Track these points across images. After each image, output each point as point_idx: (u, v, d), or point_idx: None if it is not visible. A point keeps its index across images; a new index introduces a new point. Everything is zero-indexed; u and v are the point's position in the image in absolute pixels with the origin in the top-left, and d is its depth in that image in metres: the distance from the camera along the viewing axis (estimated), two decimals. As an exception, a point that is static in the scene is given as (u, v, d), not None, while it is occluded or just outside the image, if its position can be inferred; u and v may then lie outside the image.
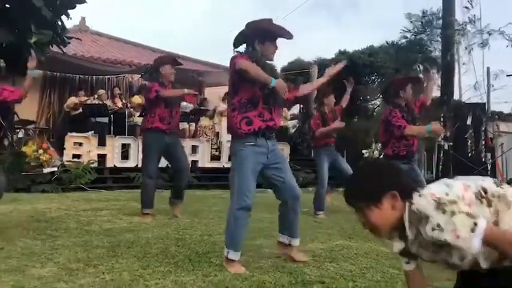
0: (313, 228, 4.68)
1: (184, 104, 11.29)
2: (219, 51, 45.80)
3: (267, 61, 3.15)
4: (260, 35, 3.07)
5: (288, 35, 3.11)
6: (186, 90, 5.03)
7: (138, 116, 10.21)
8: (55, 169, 7.83)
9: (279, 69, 21.31)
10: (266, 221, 4.75)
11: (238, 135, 3.04)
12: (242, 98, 3.02)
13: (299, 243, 3.26)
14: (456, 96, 9.80)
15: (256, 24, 3.10)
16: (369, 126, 13.62)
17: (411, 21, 9.25)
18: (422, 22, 9.12)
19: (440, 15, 9.16)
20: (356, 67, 15.31)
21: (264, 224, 4.63)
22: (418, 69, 9.39)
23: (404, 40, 9.37)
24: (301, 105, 15.89)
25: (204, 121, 11.12)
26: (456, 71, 9.30)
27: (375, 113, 15.27)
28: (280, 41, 3.15)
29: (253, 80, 2.95)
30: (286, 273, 2.87)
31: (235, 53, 3.15)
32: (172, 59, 5.25)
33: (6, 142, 9.05)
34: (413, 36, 9.20)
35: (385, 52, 11.18)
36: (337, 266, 3.13)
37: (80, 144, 8.69)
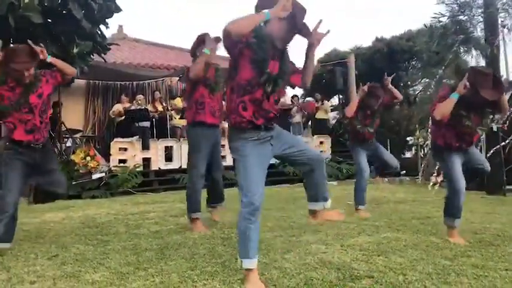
0: (359, 221, 4.61)
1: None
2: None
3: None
4: None
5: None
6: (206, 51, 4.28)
7: (179, 119, 10.39)
8: (103, 175, 8.09)
9: (315, 62, 21.13)
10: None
11: (237, 126, 2.72)
12: (242, 78, 2.67)
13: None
14: (504, 76, 9.38)
15: None
16: (412, 112, 13.28)
17: (446, 4, 8.87)
18: (458, 3, 8.74)
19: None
20: (394, 53, 14.96)
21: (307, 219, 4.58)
22: (458, 51, 9.03)
23: (439, 24, 8.99)
24: (341, 96, 15.69)
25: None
26: (502, 49, 8.90)
27: (417, 99, 14.85)
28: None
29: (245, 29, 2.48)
30: (334, 268, 2.84)
31: None
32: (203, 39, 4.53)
33: (55, 151, 9.44)
34: (449, 20, 8.83)
35: (423, 36, 10.85)
36: (386, 259, 3.06)
37: (125, 149, 8.94)
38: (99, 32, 8.78)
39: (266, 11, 2.51)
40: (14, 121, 3.53)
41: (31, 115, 3.55)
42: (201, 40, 4.54)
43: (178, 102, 10.72)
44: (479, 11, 8.68)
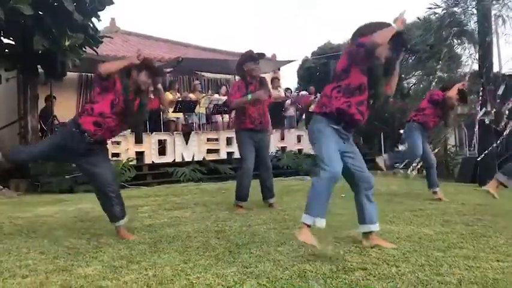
0: (352, 214, 4.61)
1: (216, 96, 11.39)
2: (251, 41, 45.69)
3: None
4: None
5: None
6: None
7: (172, 112, 10.35)
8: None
9: (309, 55, 21.14)
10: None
11: (328, 115, 3.11)
12: (352, 82, 3.06)
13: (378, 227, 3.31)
14: (496, 68, 9.41)
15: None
16: (405, 105, 13.31)
17: None
18: None
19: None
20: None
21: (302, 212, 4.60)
22: (452, 44, 9.06)
23: (434, 16, 9.00)
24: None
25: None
26: (495, 42, 8.92)
27: (411, 92, 14.88)
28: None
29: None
30: (327, 261, 2.84)
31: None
32: (251, 55, 5.12)
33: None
34: (444, 11, 8.83)
35: (417, 28, 10.87)
36: (379, 251, 3.07)
37: (118, 143, 8.90)
38: (91, 25, 8.73)
39: (394, 25, 2.99)
40: None
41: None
42: (248, 56, 5.05)
43: (168, 95, 10.66)
44: (474, 2, 8.69)
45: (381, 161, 5.76)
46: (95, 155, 3.69)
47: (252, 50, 5.11)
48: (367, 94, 3.10)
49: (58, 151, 3.70)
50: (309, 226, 2.99)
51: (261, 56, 5.20)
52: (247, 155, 5.05)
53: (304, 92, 13.89)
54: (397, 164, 10.45)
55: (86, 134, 3.58)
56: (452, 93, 5.59)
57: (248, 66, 5.01)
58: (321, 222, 3.01)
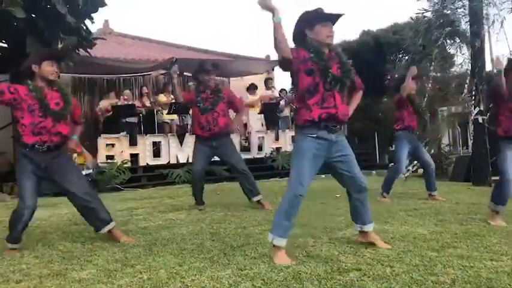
0: (346, 214, 4.61)
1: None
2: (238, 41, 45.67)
3: (326, 44, 3.07)
4: (307, 21, 3.05)
5: (333, 15, 3.07)
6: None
7: (167, 114, 10.34)
8: (90, 171, 8.01)
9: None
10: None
11: (298, 124, 3.10)
12: (301, 87, 3.03)
13: (372, 227, 3.30)
14: (489, 68, 9.45)
15: (302, 14, 3.08)
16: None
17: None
18: None
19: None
20: (381, 46, 15.00)
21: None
22: (444, 44, 9.09)
23: (428, 18, 9.05)
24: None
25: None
26: (487, 40, 8.95)
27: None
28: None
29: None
30: (322, 262, 2.85)
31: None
32: (204, 68, 5.35)
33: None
34: (433, 14, 8.89)
35: (409, 29, 10.94)
36: (374, 251, 3.08)
37: (113, 145, 8.88)
38: (84, 27, 8.68)
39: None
40: None
41: None
42: (201, 69, 5.28)
43: (162, 98, 10.65)
44: (462, 3, 8.74)
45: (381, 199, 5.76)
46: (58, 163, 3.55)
47: (205, 62, 5.55)
48: (322, 89, 2.99)
49: (33, 179, 3.49)
50: (275, 246, 2.97)
51: (215, 66, 5.52)
52: (195, 159, 5.33)
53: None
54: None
55: (36, 146, 3.44)
56: (406, 83, 5.65)
57: (201, 77, 5.30)
58: (281, 242, 2.96)
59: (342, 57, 3.12)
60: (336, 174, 3.20)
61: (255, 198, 5.27)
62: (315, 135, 3.00)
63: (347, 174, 3.14)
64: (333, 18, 3.08)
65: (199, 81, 5.34)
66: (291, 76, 3.11)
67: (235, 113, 5.72)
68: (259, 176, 8.54)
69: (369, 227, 3.28)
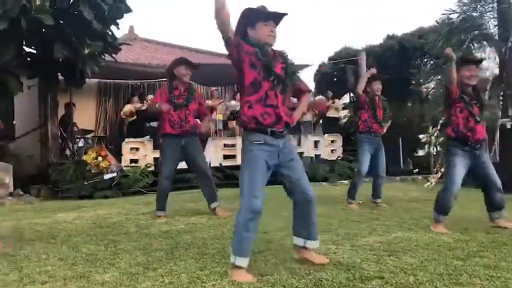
0: (370, 221, 4.58)
1: (233, 102, 11.43)
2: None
3: (267, 43, 2.88)
4: (248, 18, 2.88)
5: (276, 13, 2.88)
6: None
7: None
8: (114, 175, 8.13)
9: (325, 60, 21.09)
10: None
11: (242, 125, 2.85)
12: (245, 81, 2.83)
13: (318, 245, 3.04)
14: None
15: (244, 11, 2.87)
16: (424, 110, 13.16)
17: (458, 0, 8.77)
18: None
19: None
20: (406, 51, 14.84)
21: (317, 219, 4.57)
22: (471, 48, 8.94)
23: (451, 21, 8.91)
24: (351, 94, 15.59)
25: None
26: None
27: (430, 96, 14.71)
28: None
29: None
30: (344, 269, 2.81)
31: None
32: (185, 60, 5.19)
33: (68, 152, 9.53)
34: (459, 16, 8.72)
35: (435, 32, 10.78)
36: (397, 259, 3.03)
37: (137, 149, 8.97)
38: (109, 33, 8.86)
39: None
40: None
41: None
42: (181, 61, 5.12)
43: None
44: (492, 6, 8.58)
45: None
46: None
47: (185, 58, 5.21)
48: (266, 87, 2.81)
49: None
50: (236, 266, 2.73)
51: (195, 66, 5.22)
52: (165, 161, 5.17)
53: (320, 97, 13.82)
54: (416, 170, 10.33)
55: None
56: (360, 84, 5.69)
57: (179, 70, 5.07)
58: (242, 262, 2.72)
59: (286, 59, 2.97)
60: (282, 182, 2.96)
61: (212, 205, 5.26)
62: (261, 142, 2.80)
63: (290, 180, 2.90)
64: (276, 17, 2.90)
65: (174, 76, 5.12)
66: (236, 67, 2.87)
67: (201, 117, 5.49)
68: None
69: (314, 244, 2.99)
